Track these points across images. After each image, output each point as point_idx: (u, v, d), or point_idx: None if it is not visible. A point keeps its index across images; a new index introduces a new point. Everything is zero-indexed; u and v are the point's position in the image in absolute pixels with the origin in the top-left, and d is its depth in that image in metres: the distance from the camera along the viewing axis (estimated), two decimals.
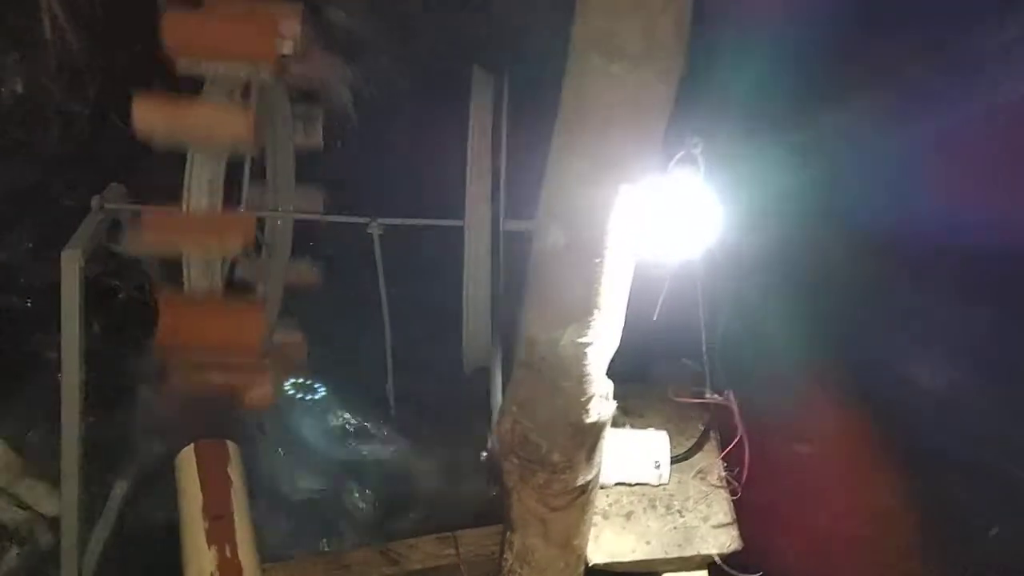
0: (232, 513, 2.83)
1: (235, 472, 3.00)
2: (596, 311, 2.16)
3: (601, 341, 2.23)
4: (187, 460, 2.97)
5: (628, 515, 2.98)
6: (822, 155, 3.33)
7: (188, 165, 2.92)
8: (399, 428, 4.59)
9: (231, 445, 3.07)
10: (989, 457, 3.30)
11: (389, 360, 4.22)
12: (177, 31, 2.94)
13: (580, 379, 2.26)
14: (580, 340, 2.19)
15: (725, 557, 2.90)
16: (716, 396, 3.01)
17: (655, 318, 2.59)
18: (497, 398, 3.72)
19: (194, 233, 3.02)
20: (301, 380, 4.50)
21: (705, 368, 2.95)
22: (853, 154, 3.38)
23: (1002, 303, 3.31)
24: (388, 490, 4.40)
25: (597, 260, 2.09)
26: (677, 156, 2.27)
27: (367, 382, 4.39)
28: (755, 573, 2.90)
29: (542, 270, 2.17)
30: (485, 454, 3.67)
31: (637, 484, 3.04)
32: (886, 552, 3.32)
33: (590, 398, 2.31)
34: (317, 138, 3.71)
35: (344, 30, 4.32)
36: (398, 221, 3.86)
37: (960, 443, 3.28)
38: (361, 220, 3.76)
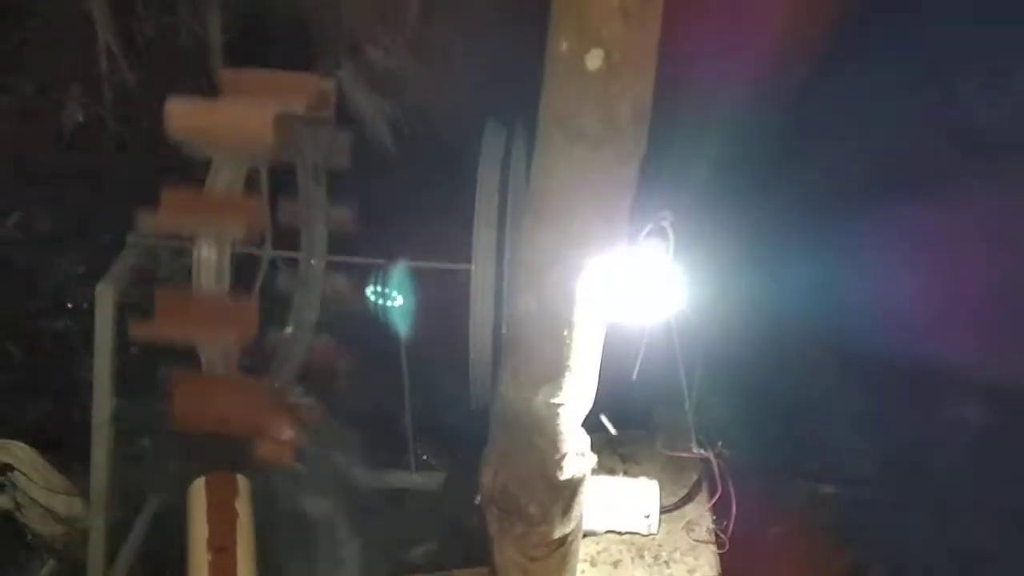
0: (235, 546, 2.97)
1: (243, 506, 3.13)
2: (567, 373, 2.26)
3: (573, 402, 2.32)
4: (196, 492, 3.12)
5: (615, 564, 3.04)
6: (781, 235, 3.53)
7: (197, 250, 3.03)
8: (418, 461, 4.73)
9: (241, 479, 3.22)
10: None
11: (407, 394, 4.38)
12: (179, 119, 2.98)
13: (554, 438, 2.35)
14: (553, 401, 2.29)
15: None
16: (701, 451, 3.06)
17: (634, 377, 2.67)
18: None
19: (205, 321, 3.10)
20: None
21: (690, 424, 3.01)
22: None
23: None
24: (402, 523, 4.53)
25: (566, 326, 2.18)
26: (647, 229, 2.35)
27: (388, 417, 4.58)
28: None
29: (515, 334, 2.27)
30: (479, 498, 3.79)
31: (627, 532, 3.10)
32: None
33: (564, 456, 2.39)
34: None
35: (384, 69, 4.49)
36: (412, 263, 4.03)
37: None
38: (377, 262, 3.93)
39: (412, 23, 4.36)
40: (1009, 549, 4.29)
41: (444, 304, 3.97)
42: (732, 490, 2.97)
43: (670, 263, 2.38)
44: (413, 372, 4.12)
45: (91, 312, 3.85)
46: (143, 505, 4.08)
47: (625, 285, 2.35)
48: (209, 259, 3.03)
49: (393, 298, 3.85)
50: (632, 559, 3.05)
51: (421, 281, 3.89)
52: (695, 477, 3.28)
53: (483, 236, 3.60)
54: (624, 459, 3.31)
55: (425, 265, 3.82)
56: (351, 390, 4.50)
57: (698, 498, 3.24)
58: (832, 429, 4.24)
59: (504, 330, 2.31)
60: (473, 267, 3.65)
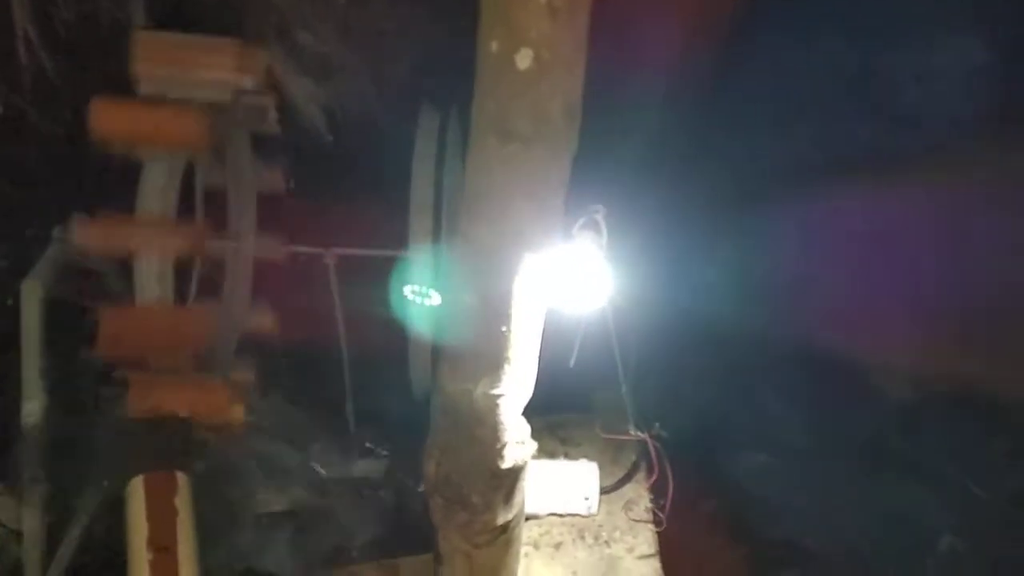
0: (177, 545, 2.95)
1: (183, 503, 3.11)
2: (506, 365, 2.30)
3: (513, 392, 2.36)
4: (135, 491, 3.08)
5: (557, 546, 3.11)
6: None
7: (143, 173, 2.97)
8: (359, 448, 4.74)
9: (180, 476, 3.18)
10: None
11: (348, 382, 4.37)
12: (105, 119, 2.95)
13: (494, 428, 2.39)
14: (492, 392, 2.33)
15: None
16: (638, 433, 3.14)
17: (572, 364, 2.73)
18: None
19: (146, 235, 3.05)
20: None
21: (627, 407, 3.08)
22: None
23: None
24: (345, 512, 4.55)
25: (504, 320, 2.22)
26: (580, 222, 2.40)
27: (329, 404, 4.57)
28: None
29: (455, 327, 2.30)
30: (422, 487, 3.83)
31: (568, 515, 3.18)
32: None
33: (505, 445, 2.44)
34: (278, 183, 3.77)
35: (315, 53, 4.43)
36: (351, 251, 4.01)
37: None
38: (315, 251, 3.91)
39: (343, 6, 4.31)
40: (932, 513, 4.60)
41: (383, 292, 3.98)
42: (669, 469, 3.06)
43: (603, 254, 2.43)
44: (355, 361, 4.13)
45: (16, 308, 3.78)
46: (80, 504, 4.04)
47: (561, 277, 2.40)
48: (150, 270, 2.97)
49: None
50: (574, 540, 3.13)
51: (358, 269, 3.89)
52: (633, 458, 3.37)
53: (419, 224, 3.61)
54: (564, 442, 3.38)
55: (360, 253, 3.81)
56: (290, 377, 4.49)
57: (636, 478, 3.33)
58: (763, 405, 4.40)
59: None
60: (409, 255, 3.67)
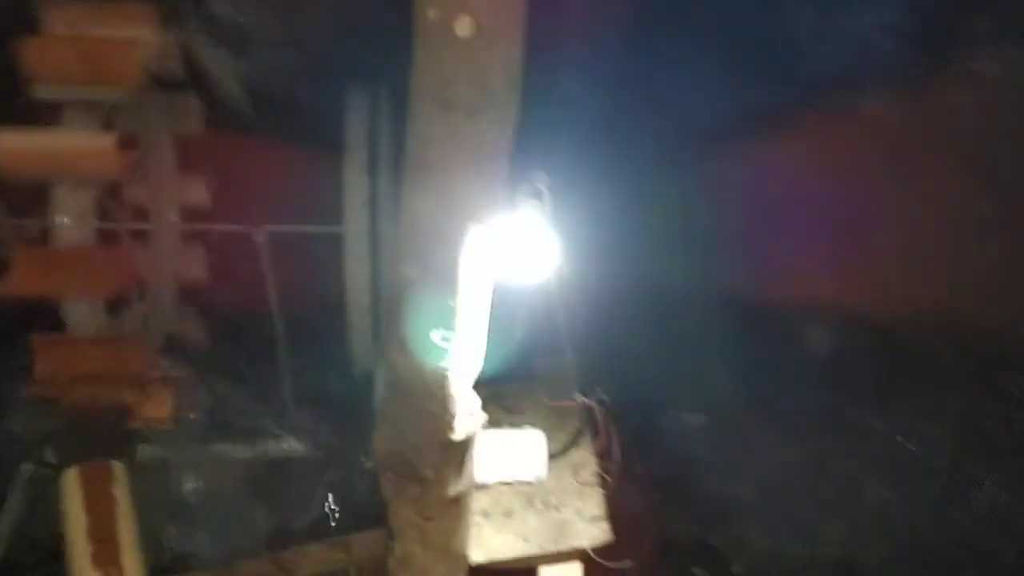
0: (117, 535, 2.88)
1: (120, 492, 3.03)
2: (455, 338, 2.29)
3: (463, 366, 2.36)
4: (71, 482, 2.99)
5: (508, 513, 3.14)
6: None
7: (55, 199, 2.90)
8: (297, 429, 4.68)
9: (116, 465, 3.10)
10: None
11: (282, 362, 4.31)
12: (35, 56, 2.90)
13: (444, 401, 2.39)
14: (442, 366, 2.32)
15: (596, 549, 3.09)
16: (583, 399, 3.18)
17: (519, 333, 2.74)
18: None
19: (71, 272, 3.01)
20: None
21: (572, 372, 3.12)
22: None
23: None
24: (284, 491, 4.49)
25: (451, 291, 2.21)
26: (523, 190, 2.39)
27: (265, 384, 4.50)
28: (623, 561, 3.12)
29: (400, 302, 2.28)
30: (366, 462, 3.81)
31: (516, 482, 3.20)
32: None
33: (455, 417, 2.44)
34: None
35: (231, 23, 4.29)
36: (281, 228, 3.92)
37: None
38: (244, 229, 3.81)
39: None
40: (856, 459, 4.83)
41: (317, 269, 3.92)
42: (614, 432, 3.11)
43: (548, 221, 2.43)
44: (293, 340, 4.06)
45: None
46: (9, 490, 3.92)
47: (507, 246, 2.39)
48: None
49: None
50: (523, 507, 3.16)
51: (291, 246, 3.81)
52: (577, 423, 3.41)
53: (354, 198, 3.56)
54: (508, 411, 3.39)
55: (295, 229, 3.73)
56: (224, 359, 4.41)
57: (582, 442, 3.37)
58: (697, 365, 4.51)
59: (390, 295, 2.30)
60: (346, 230, 3.61)
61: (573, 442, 3.36)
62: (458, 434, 2.47)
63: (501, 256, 2.30)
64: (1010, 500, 4.74)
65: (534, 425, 3.30)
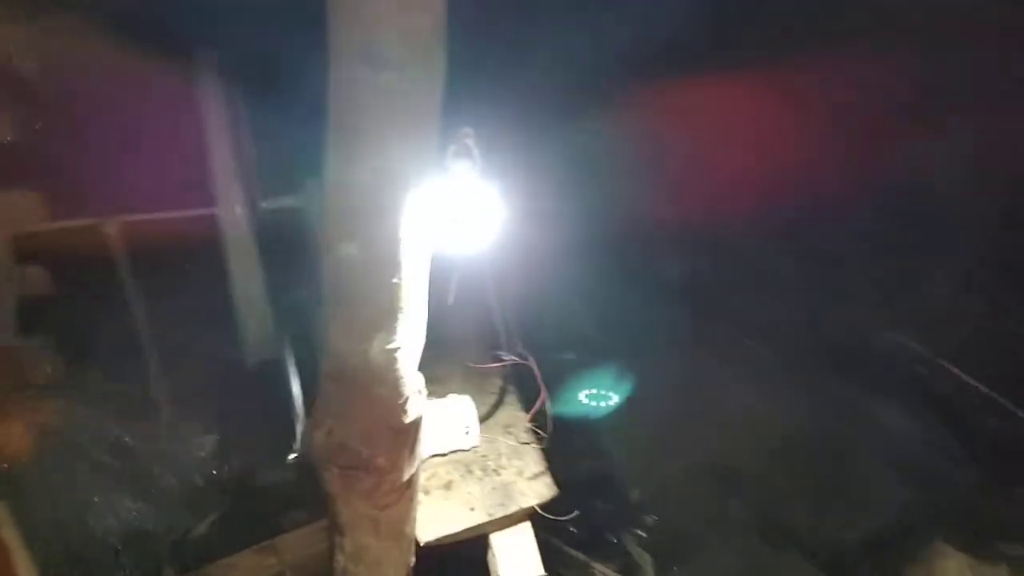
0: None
1: (9, 534, 2.70)
2: (400, 315, 2.15)
3: (408, 343, 2.22)
4: None
5: (448, 485, 3.04)
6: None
7: None
8: (177, 431, 4.34)
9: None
10: None
11: (151, 363, 3.97)
12: None
13: (395, 383, 2.25)
14: (389, 347, 2.17)
15: (543, 504, 3.06)
16: (514, 357, 3.11)
17: (451, 302, 2.61)
18: (295, 394, 3.63)
19: None
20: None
21: (501, 333, 3.03)
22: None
23: None
24: (179, 495, 4.17)
25: (395, 268, 2.06)
26: (451, 149, 2.26)
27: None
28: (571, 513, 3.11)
29: (339, 284, 2.10)
30: (294, 455, 3.60)
31: (451, 452, 3.10)
32: None
33: (407, 399, 2.31)
34: None
35: None
36: (138, 217, 3.57)
37: None
38: (92, 222, 3.44)
39: None
40: (727, 378, 5.17)
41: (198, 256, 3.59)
42: (541, 385, 3.06)
43: (480, 180, 2.31)
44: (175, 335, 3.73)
45: None
46: None
47: (442, 211, 2.25)
48: None
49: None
50: (463, 476, 3.06)
51: (162, 232, 3.46)
52: (499, 383, 3.34)
53: (226, 176, 3.27)
54: (429, 380, 3.26)
55: (162, 216, 3.39)
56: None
57: (507, 401, 3.31)
58: (567, 305, 4.62)
59: (327, 280, 2.12)
60: (218, 208, 3.32)
61: (498, 403, 3.29)
62: (410, 416, 2.35)
63: (438, 222, 2.17)
64: (856, 395, 5.34)
65: (456, 391, 3.19)
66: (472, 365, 3.25)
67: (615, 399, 4.58)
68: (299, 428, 3.51)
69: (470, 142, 2.26)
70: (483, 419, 3.20)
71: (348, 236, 2.02)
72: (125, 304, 3.80)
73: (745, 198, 4.61)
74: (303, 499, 3.83)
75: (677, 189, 4.65)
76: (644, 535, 5.14)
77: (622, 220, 4.57)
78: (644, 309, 4.91)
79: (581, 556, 4.58)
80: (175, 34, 3.23)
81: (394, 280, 2.07)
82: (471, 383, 3.32)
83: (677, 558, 4.94)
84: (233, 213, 3.14)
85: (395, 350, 2.19)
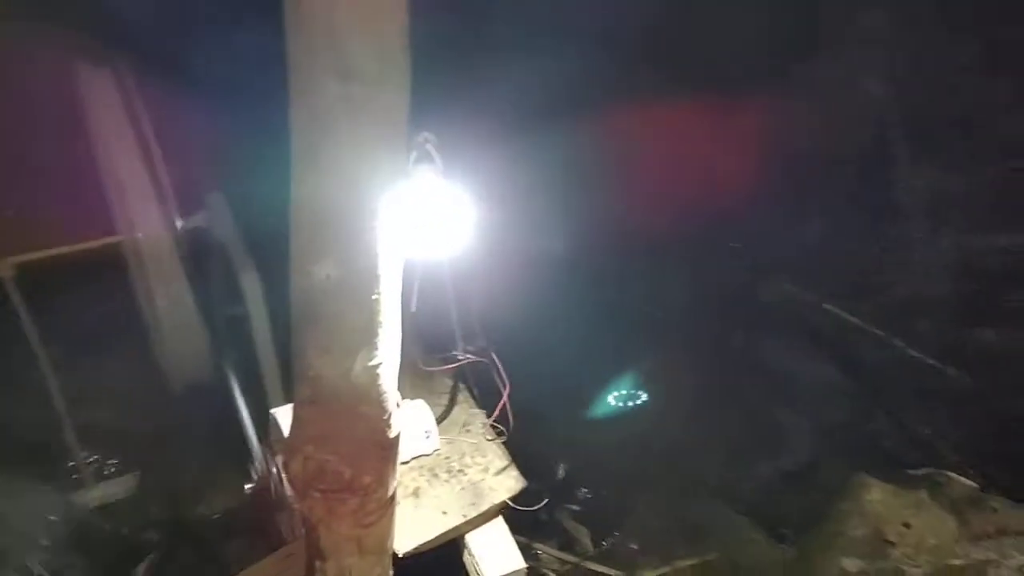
0: None
1: None
2: (380, 330, 2.09)
3: (389, 358, 2.17)
4: None
5: (416, 492, 2.99)
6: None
7: None
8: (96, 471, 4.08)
9: None
10: None
11: (58, 408, 3.73)
12: None
13: (379, 400, 2.19)
14: (372, 363, 2.11)
15: (514, 497, 3.06)
16: (469, 356, 3.09)
17: (413, 309, 2.56)
18: (242, 417, 3.47)
19: None
20: None
21: (458, 332, 3.00)
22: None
23: None
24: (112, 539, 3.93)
25: (374, 284, 2.00)
26: (413, 155, 2.21)
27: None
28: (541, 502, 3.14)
29: (315, 307, 2.02)
30: (249, 487, 3.45)
31: (413, 459, 3.06)
32: None
33: (390, 414, 2.25)
34: None
35: None
36: (37, 255, 3.32)
37: None
38: None
39: None
40: (637, 344, 5.56)
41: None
42: (501, 379, 3.05)
43: (443, 184, 2.26)
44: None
45: None
46: None
47: (408, 216, 2.20)
48: None
49: None
50: (429, 481, 3.02)
51: (69, 265, 3.21)
52: (448, 383, 3.30)
53: (137, 199, 3.07)
54: None
55: (68, 250, 3.14)
56: None
57: (460, 400, 3.28)
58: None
59: (298, 304, 2.03)
60: (134, 236, 3.12)
61: (451, 402, 3.26)
62: (394, 430, 2.30)
63: (409, 230, 2.12)
64: (754, 344, 5.77)
65: (407, 396, 3.14)
66: (424, 367, 3.20)
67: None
68: (255, 455, 3.37)
69: (431, 147, 2.21)
70: (439, 420, 3.17)
71: (322, 255, 1.95)
72: (27, 351, 3.53)
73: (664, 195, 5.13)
74: (246, 530, 3.70)
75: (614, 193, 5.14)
76: (577, 508, 5.30)
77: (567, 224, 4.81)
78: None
79: (522, 539, 4.63)
80: (67, 41, 3.00)
81: (374, 296, 2.01)
82: (421, 386, 3.27)
83: (609, 525, 5.12)
84: (149, 236, 2.94)
85: (378, 366, 2.13)
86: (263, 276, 3.40)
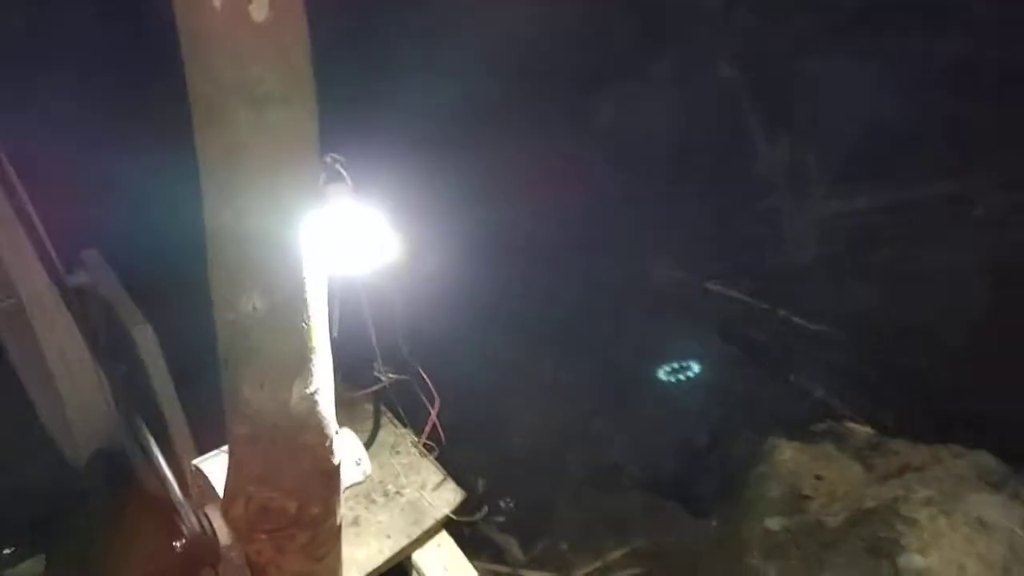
0: None
1: None
2: (313, 356, 2.06)
3: (324, 383, 2.14)
4: None
5: (356, 521, 2.94)
6: None
7: None
8: None
9: None
10: None
11: None
12: None
13: (319, 427, 2.16)
14: (308, 392, 2.08)
15: (456, 510, 3.05)
16: (390, 375, 3.06)
17: (335, 334, 2.52)
18: (170, 480, 3.30)
19: None
20: None
21: (376, 354, 2.97)
22: None
23: None
24: None
25: (302, 310, 1.98)
26: (323, 177, 2.18)
27: None
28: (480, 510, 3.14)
29: (245, 341, 1.97)
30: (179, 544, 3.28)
31: (348, 488, 3.00)
32: None
33: (331, 440, 2.22)
34: None
35: None
36: None
37: None
38: None
39: None
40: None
41: None
42: (426, 394, 3.04)
43: (355, 203, 2.25)
44: None
45: None
46: None
47: (327, 240, 2.18)
48: None
49: None
50: (367, 508, 2.98)
51: None
52: (368, 406, 3.27)
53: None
54: None
55: None
56: None
57: (383, 422, 3.24)
58: None
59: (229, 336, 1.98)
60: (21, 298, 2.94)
61: (376, 425, 3.23)
62: (336, 456, 2.26)
63: (327, 253, 2.10)
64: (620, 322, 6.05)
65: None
66: (345, 394, 3.16)
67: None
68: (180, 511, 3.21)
69: (339, 167, 2.20)
70: (367, 445, 3.13)
71: (247, 289, 1.91)
72: None
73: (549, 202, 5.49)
74: None
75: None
76: (503, 519, 5.33)
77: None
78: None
79: None
80: None
81: (303, 324, 1.99)
82: (343, 414, 3.19)
83: (536, 530, 5.17)
84: (40, 301, 2.79)
85: (315, 393, 2.10)
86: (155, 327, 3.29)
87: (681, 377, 6.02)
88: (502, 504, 5.40)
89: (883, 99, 5.99)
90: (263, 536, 2.30)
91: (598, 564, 4.90)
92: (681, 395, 5.92)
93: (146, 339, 3.19)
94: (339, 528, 2.40)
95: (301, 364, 2.04)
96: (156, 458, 2.80)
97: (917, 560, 3.64)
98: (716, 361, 6.09)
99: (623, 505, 5.28)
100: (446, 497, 3.05)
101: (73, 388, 2.99)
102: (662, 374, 6.02)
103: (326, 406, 2.18)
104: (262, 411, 2.06)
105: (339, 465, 2.29)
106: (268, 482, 2.20)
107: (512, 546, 5.09)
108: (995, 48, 5.90)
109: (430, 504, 3.01)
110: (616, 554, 4.94)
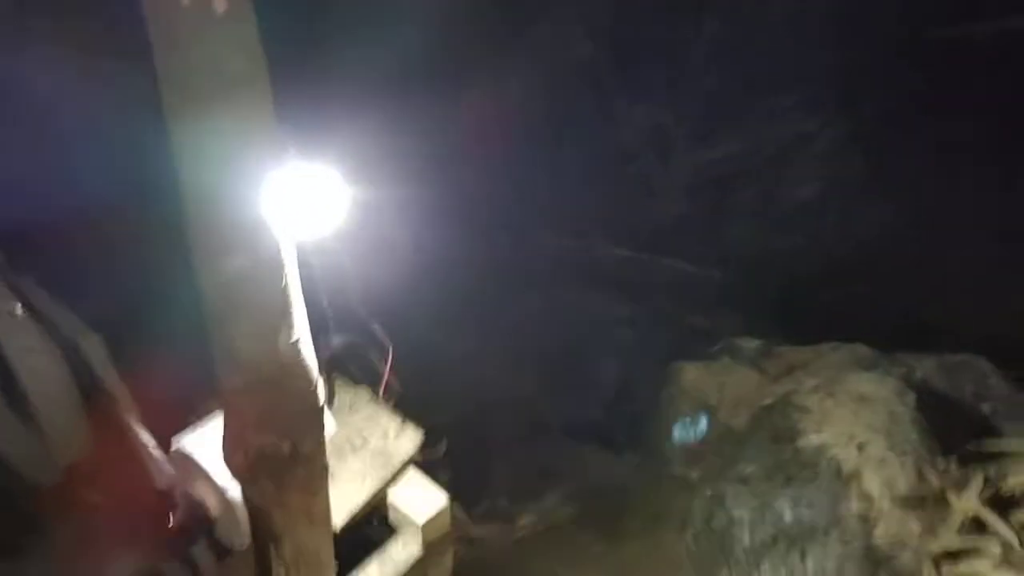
0: None
1: None
2: (293, 307, 2.36)
3: (304, 330, 2.44)
4: None
5: (332, 474, 3.21)
6: None
7: None
8: None
9: None
10: None
11: None
12: None
13: (306, 371, 2.45)
14: (292, 340, 2.37)
15: (421, 449, 3.37)
16: (338, 342, 3.34)
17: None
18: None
19: None
20: None
21: (330, 324, 3.25)
22: None
23: None
24: None
25: (284, 269, 2.27)
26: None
27: None
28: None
29: (234, 297, 2.25)
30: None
31: None
32: None
33: (316, 383, 2.52)
34: None
35: None
36: None
37: None
38: None
39: None
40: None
41: None
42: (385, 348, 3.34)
43: (311, 166, 2.54)
44: None
45: None
46: None
47: (292, 204, 2.47)
48: None
49: None
50: (338, 460, 3.25)
51: None
52: (325, 371, 3.52)
53: None
54: None
55: None
56: None
57: (339, 384, 3.51)
58: None
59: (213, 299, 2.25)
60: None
61: (332, 388, 3.49)
62: (323, 396, 2.56)
63: (292, 216, 2.39)
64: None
65: None
66: None
67: None
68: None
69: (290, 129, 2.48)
70: (328, 404, 3.39)
71: (231, 249, 2.19)
72: None
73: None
74: None
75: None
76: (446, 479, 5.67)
77: None
78: None
79: None
80: None
81: (282, 280, 2.28)
82: None
83: (477, 490, 5.51)
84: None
85: (298, 341, 2.39)
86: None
87: (588, 332, 6.47)
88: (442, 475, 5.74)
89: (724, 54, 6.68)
90: (267, 479, 2.57)
91: (537, 512, 5.29)
92: (589, 348, 6.38)
93: (95, 349, 3.35)
94: (327, 466, 2.70)
95: (282, 315, 2.33)
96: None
97: (813, 439, 4.19)
98: (614, 316, 6.59)
99: (550, 455, 5.70)
100: (409, 436, 3.36)
101: (48, 414, 3.12)
102: (573, 334, 6.46)
103: (309, 354, 2.48)
104: (252, 361, 2.35)
105: (323, 407, 2.58)
106: (264, 427, 2.48)
107: (456, 509, 5.44)
108: None
109: (396, 449, 3.32)
110: (551, 500, 5.34)
